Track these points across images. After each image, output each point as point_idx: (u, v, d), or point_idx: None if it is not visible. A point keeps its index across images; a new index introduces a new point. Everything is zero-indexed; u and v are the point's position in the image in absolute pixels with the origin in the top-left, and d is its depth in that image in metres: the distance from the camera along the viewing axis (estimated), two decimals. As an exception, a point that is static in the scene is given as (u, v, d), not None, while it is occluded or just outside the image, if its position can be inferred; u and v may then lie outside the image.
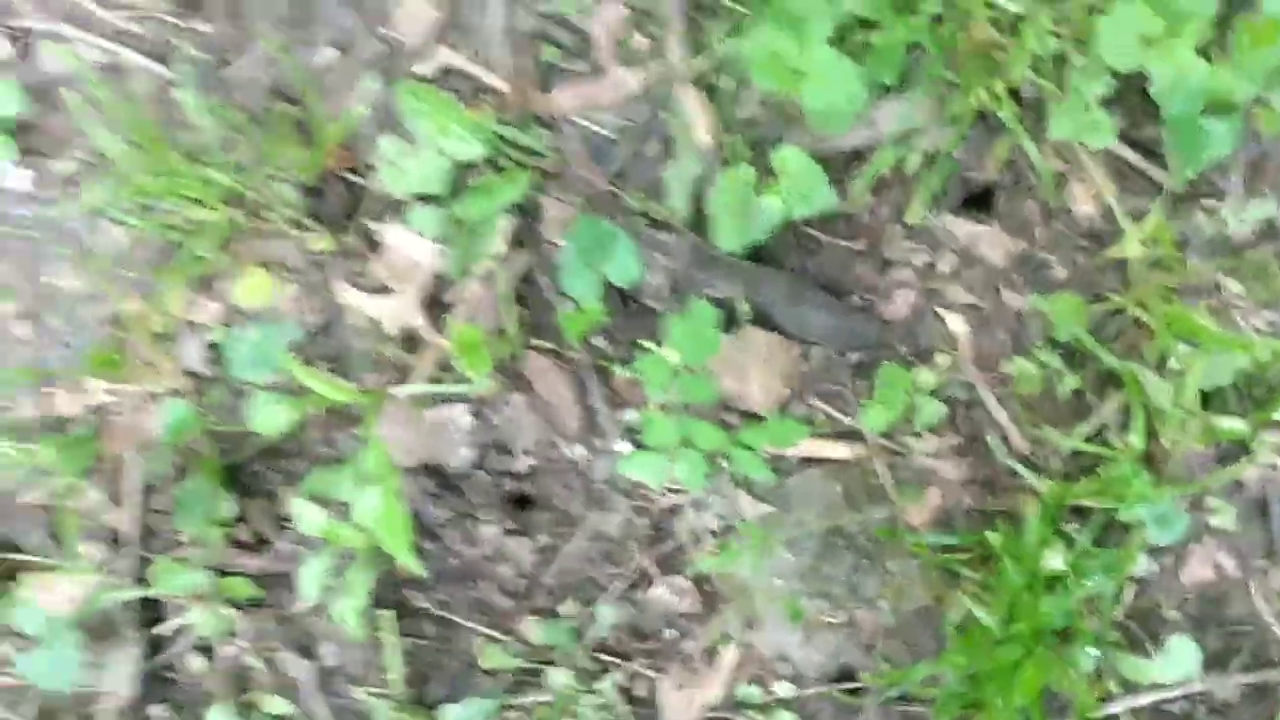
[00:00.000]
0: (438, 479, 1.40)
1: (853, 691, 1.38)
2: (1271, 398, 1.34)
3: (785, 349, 1.37)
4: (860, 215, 1.40)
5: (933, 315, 1.39)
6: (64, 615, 1.36)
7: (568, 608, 1.42)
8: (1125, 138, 1.34)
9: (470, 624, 1.42)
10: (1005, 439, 1.38)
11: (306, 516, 1.27)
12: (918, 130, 1.36)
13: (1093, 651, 1.31)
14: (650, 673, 1.41)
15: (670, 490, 1.38)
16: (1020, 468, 1.36)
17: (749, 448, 1.31)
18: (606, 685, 1.39)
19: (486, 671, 1.41)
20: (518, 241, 1.39)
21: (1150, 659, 1.36)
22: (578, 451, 1.39)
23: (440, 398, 1.38)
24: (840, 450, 1.38)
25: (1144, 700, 1.37)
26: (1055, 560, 1.29)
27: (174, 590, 1.35)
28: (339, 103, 1.42)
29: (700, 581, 1.41)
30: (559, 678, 1.39)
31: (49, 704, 1.42)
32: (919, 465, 1.38)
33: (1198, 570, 1.39)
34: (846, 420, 1.38)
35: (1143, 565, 1.37)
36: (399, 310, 1.37)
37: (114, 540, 1.40)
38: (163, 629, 1.41)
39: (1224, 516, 1.37)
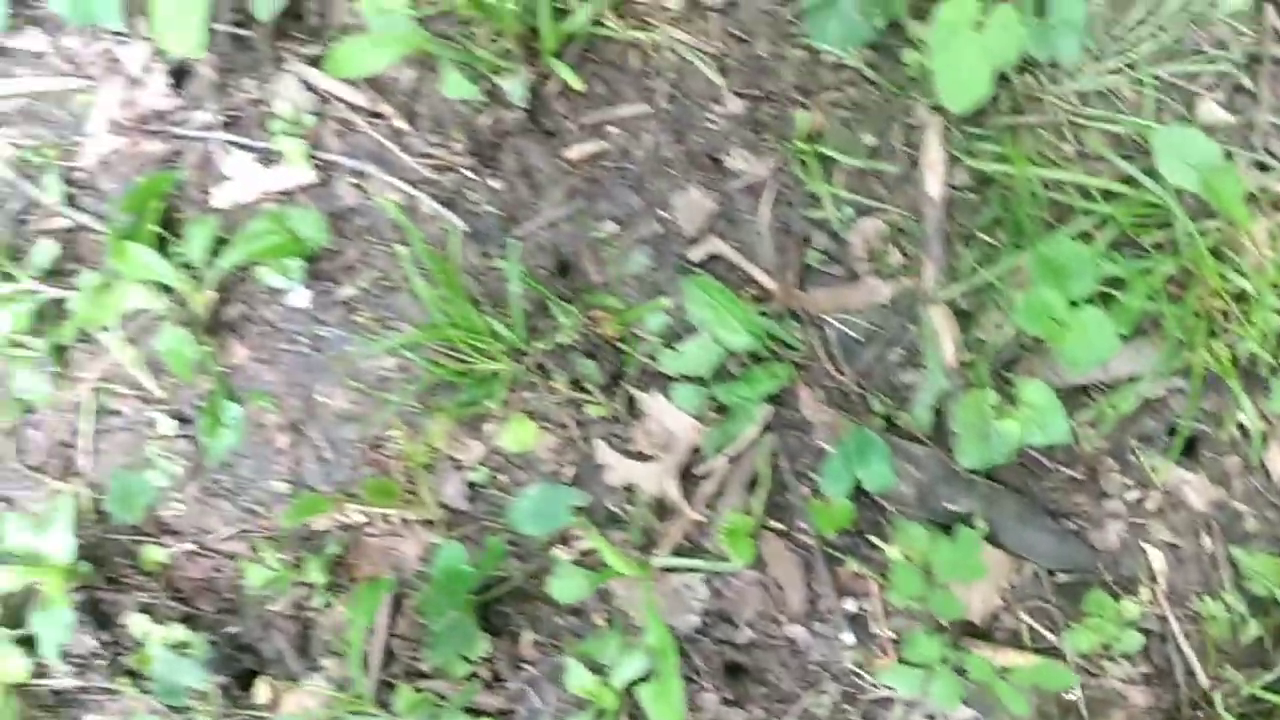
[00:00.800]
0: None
1: None
2: None
3: (1007, 564, 1.47)
4: (1081, 446, 1.52)
5: (1137, 547, 1.50)
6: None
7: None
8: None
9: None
10: (1191, 673, 1.49)
11: (575, 675, 1.34)
12: (1143, 377, 1.49)
13: None
14: None
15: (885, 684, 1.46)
16: (1204, 706, 1.46)
17: (1013, 685, 1.38)
18: None
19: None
20: (765, 425, 1.49)
21: None
22: (797, 631, 1.48)
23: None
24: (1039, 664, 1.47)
25: None
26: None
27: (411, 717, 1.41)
28: (611, 273, 1.53)
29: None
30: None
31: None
32: (1110, 687, 1.48)
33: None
34: (1049, 636, 1.49)
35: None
36: (656, 477, 1.46)
37: (361, 659, 1.46)
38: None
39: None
